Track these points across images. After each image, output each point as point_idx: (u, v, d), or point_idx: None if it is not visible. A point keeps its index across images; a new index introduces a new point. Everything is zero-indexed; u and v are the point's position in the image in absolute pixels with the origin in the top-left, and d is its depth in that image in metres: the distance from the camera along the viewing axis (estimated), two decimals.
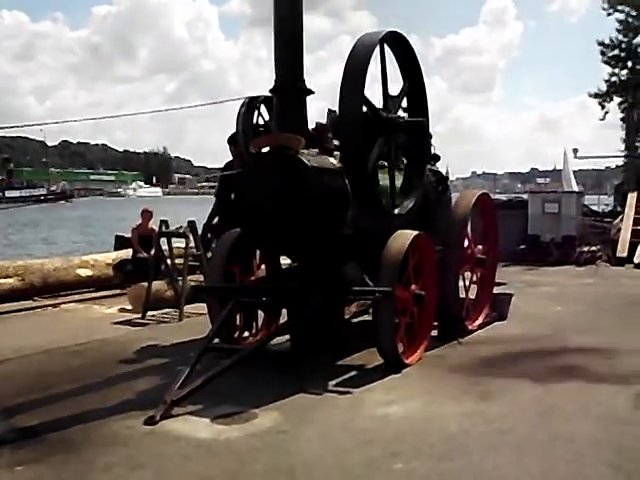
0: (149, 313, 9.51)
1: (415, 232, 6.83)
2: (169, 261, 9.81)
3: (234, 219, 7.35)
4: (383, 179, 7.18)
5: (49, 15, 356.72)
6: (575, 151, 26.25)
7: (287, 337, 7.36)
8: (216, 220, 9.19)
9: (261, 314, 7.79)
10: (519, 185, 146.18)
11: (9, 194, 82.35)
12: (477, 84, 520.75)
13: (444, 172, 9.38)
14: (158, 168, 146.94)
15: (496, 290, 9.27)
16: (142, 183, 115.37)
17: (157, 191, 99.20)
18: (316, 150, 6.84)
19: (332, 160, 6.85)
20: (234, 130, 8.43)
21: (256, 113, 8.36)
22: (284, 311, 7.59)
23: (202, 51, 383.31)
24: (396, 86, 7.32)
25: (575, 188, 22.00)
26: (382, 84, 7.08)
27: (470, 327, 8.16)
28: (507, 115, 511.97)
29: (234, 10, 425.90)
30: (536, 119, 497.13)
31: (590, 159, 29.66)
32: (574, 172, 25.49)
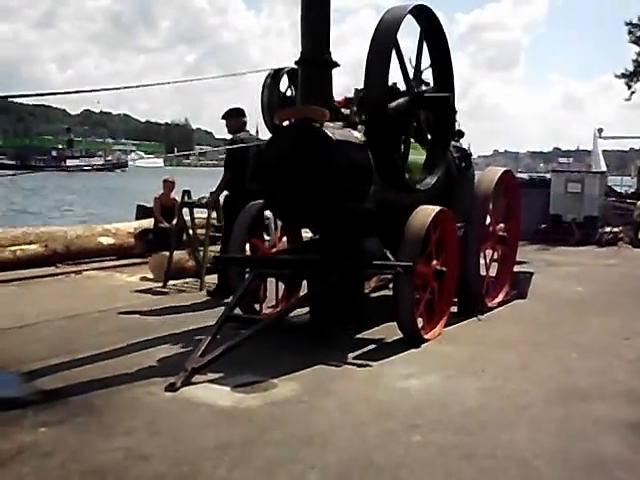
0: (170, 282, 9.58)
1: (437, 207, 6.81)
2: (191, 231, 9.85)
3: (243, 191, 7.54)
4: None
5: None
6: (600, 131, 25.89)
7: (307, 309, 7.42)
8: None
9: (282, 286, 7.83)
10: (541, 164, 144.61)
11: (70, 162, 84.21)
12: (501, 61, 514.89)
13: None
14: (180, 139, 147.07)
15: (517, 268, 9.24)
16: (142, 153, 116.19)
17: (158, 162, 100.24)
18: (341, 123, 6.81)
19: (356, 134, 6.82)
20: (234, 105, 8.99)
21: (286, 85, 8.34)
22: (304, 283, 7.64)
23: (223, 22, 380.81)
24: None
25: (604, 170, 21.73)
26: (416, 56, 7.05)
27: (490, 304, 8.15)
28: (530, 93, 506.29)
29: None
30: (559, 98, 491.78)
31: (614, 139, 29.22)
32: None
